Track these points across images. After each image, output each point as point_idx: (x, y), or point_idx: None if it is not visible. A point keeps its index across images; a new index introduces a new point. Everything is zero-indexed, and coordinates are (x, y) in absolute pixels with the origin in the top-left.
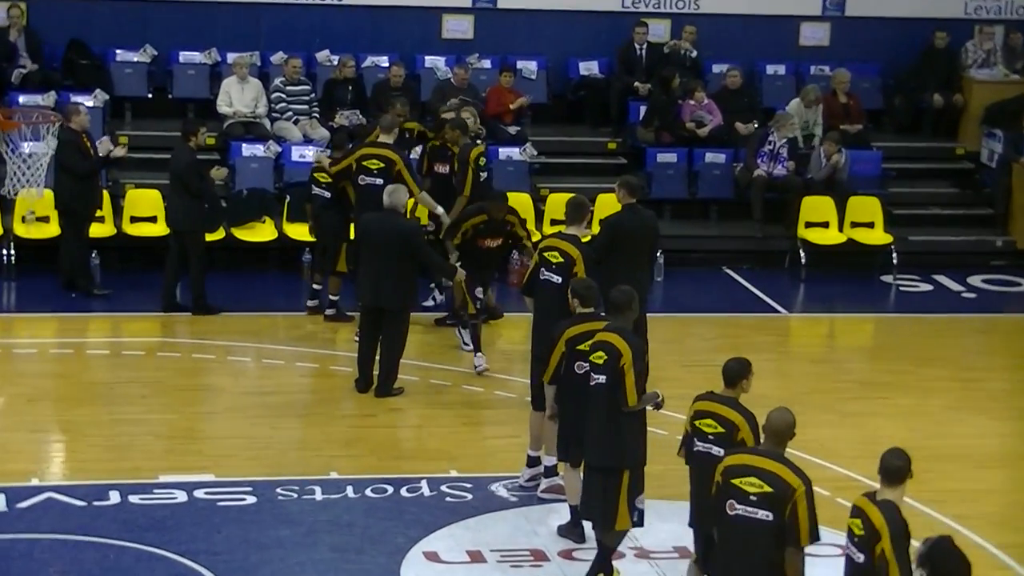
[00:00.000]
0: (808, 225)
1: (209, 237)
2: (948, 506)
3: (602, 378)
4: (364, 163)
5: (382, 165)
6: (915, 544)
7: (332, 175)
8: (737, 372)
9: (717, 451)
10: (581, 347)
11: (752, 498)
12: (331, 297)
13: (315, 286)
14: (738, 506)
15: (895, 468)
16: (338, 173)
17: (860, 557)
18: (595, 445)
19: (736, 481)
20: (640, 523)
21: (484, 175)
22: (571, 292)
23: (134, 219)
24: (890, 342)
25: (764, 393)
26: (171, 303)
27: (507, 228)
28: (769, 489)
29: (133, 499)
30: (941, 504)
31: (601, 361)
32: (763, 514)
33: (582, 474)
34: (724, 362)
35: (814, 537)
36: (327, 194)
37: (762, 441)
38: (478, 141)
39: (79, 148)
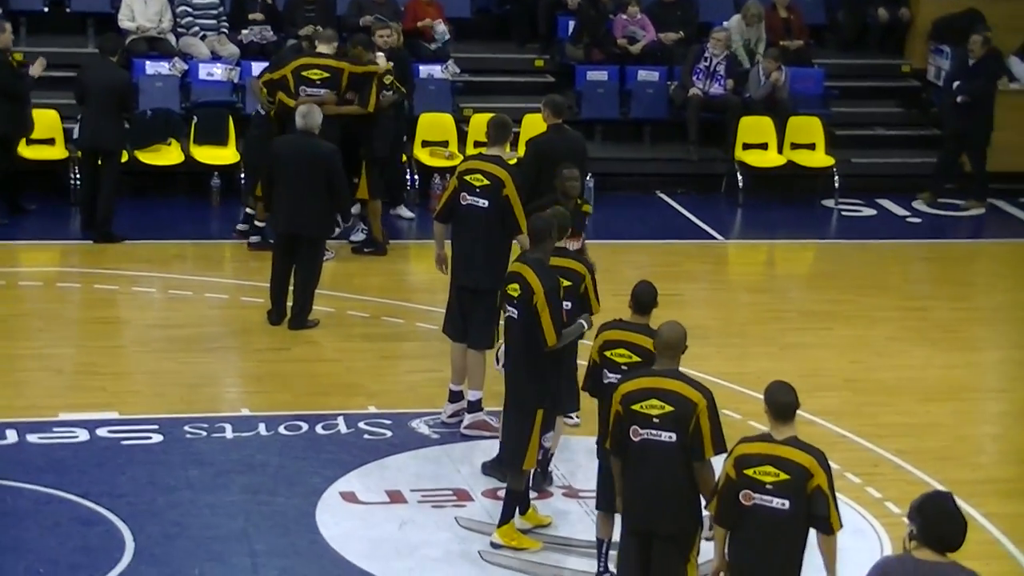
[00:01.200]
0: (746, 147)
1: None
2: (891, 440)
3: (514, 312)
4: (304, 73)
5: (327, 75)
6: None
7: (264, 85)
8: (647, 299)
9: None
10: (509, 288)
11: (655, 420)
12: (256, 223)
13: (248, 210)
14: (642, 431)
15: (786, 404)
16: (269, 85)
17: (784, 503)
18: (511, 382)
19: (637, 406)
20: (544, 462)
21: (390, 93)
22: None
23: (30, 142)
24: (832, 270)
25: (701, 324)
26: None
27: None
28: (671, 408)
29: (31, 438)
30: (883, 438)
31: (515, 294)
32: (667, 435)
33: None
34: (633, 287)
35: (719, 448)
36: (264, 111)
37: (657, 360)
38: (380, 57)
39: (10, 67)
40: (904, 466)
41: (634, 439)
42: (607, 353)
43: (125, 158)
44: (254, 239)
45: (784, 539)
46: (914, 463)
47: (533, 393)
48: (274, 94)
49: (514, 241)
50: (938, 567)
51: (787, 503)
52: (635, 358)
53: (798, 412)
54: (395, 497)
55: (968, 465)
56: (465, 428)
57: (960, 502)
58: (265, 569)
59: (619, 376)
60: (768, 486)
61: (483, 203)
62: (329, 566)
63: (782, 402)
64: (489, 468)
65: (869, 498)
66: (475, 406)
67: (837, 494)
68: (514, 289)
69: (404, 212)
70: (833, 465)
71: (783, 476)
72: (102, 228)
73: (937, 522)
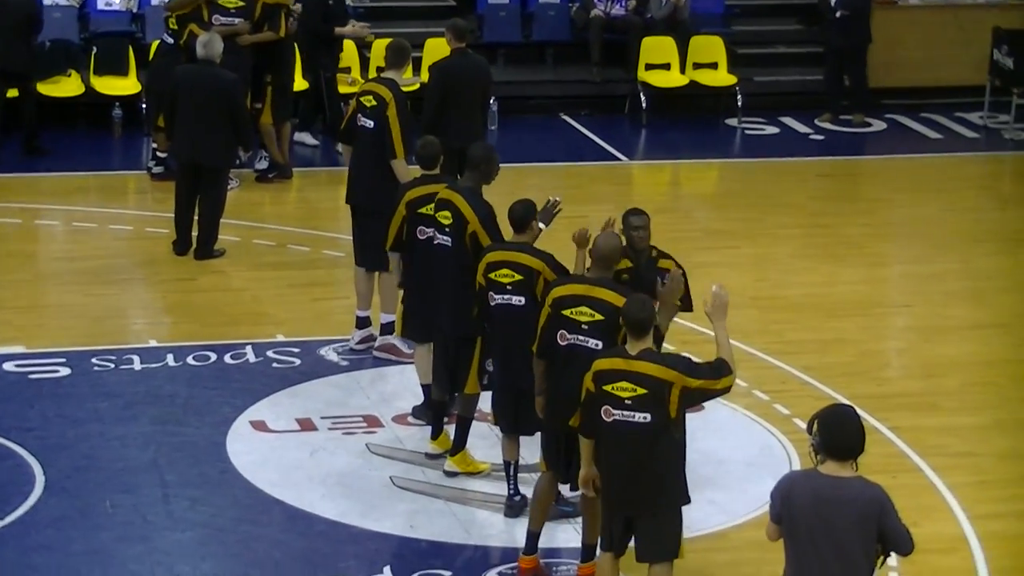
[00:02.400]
0: (649, 67)
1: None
2: (798, 357)
3: (447, 240)
4: (220, 1)
5: (242, 4)
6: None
7: (176, 17)
8: (524, 215)
9: (518, 300)
10: (423, 210)
11: (584, 327)
12: (159, 153)
13: (154, 145)
14: (569, 336)
15: (642, 320)
16: (181, 17)
17: (645, 417)
18: (448, 314)
19: (567, 312)
20: (490, 386)
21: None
22: (416, 153)
23: None
24: (736, 188)
25: None
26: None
27: None
28: (600, 317)
29: None
30: (791, 356)
31: (447, 222)
32: (593, 343)
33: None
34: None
35: None
36: (170, 40)
37: (588, 268)
38: None
39: None
40: (811, 382)
41: (561, 343)
42: (490, 275)
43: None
44: (157, 170)
45: (648, 451)
46: (821, 379)
47: (470, 319)
48: (184, 25)
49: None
50: (842, 481)
51: (648, 416)
52: (518, 276)
53: (705, 331)
54: (305, 425)
55: (874, 380)
56: (376, 351)
57: (866, 416)
58: (176, 499)
59: (505, 296)
60: (627, 401)
61: (370, 123)
62: (241, 495)
63: (638, 319)
64: (419, 412)
65: (777, 415)
66: (386, 329)
67: (746, 411)
68: (445, 217)
69: (308, 139)
70: (740, 383)
71: (640, 391)
72: (30, 143)
73: (836, 433)
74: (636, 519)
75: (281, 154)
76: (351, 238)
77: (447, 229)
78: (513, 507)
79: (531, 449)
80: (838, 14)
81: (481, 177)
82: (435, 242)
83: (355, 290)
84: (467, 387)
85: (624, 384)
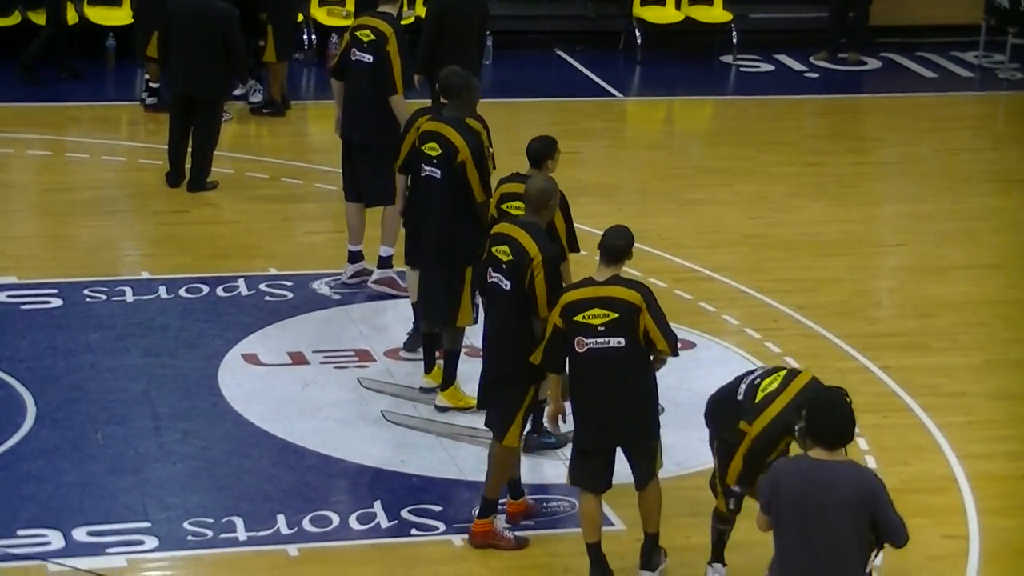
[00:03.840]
0: (644, 3)
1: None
2: (789, 296)
3: (436, 172)
4: None
5: None
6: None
7: None
8: (542, 152)
9: (616, 342)
10: (427, 147)
11: (503, 266)
12: (151, 84)
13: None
14: (493, 274)
15: (620, 247)
16: None
17: (620, 341)
18: (436, 242)
19: (494, 249)
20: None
21: None
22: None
23: None
24: (730, 126)
25: (600, 181)
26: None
27: None
28: (510, 257)
29: None
30: (782, 294)
31: (435, 153)
32: (506, 283)
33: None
34: (527, 142)
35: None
36: None
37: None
38: None
39: None
40: (803, 320)
41: (488, 280)
42: (503, 206)
43: (17, 19)
44: (150, 101)
45: (626, 374)
46: (812, 318)
47: (459, 249)
48: None
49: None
50: (831, 466)
51: (622, 340)
52: (612, 315)
53: (697, 268)
54: (297, 358)
55: (865, 319)
56: (372, 283)
57: (857, 355)
58: (168, 432)
59: (598, 340)
60: (600, 328)
61: (368, 58)
62: (232, 428)
63: (615, 245)
64: (411, 345)
65: (769, 353)
66: (384, 262)
67: (738, 349)
68: (432, 148)
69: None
70: (732, 320)
71: (612, 315)
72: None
73: (825, 420)
74: (631, 449)
75: (280, 90)
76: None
77: (435, 160)
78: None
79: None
80: None
81: (464, 105)
82: (422, 174)
83: (347, 224)
84: (458, 320)
85: (596, 311)
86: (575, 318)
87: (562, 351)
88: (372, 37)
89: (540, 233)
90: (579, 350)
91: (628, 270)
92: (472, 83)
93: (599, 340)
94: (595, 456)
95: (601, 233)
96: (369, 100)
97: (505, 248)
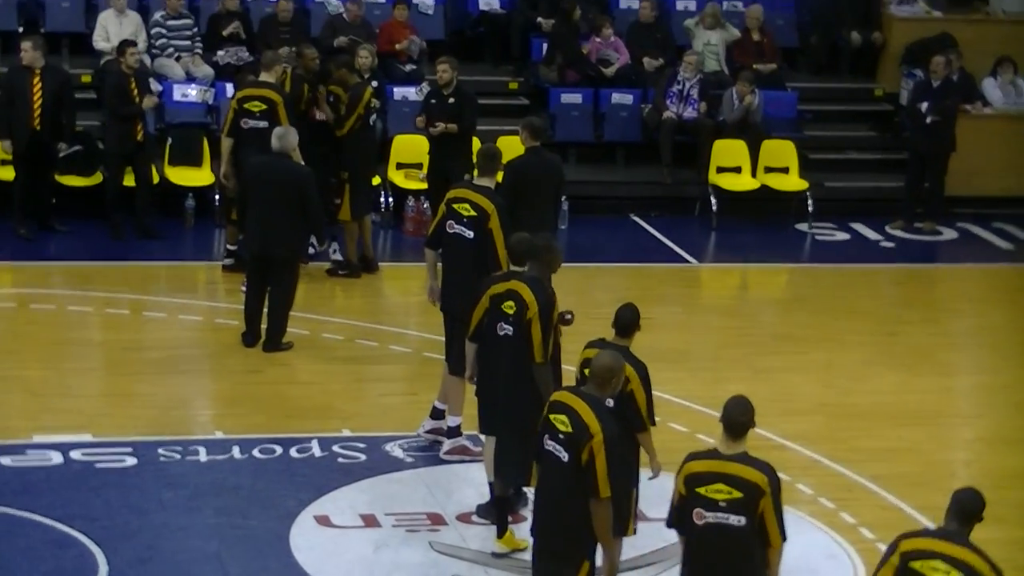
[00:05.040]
0: (720, 170)
1: (83, 181)
2: (865, 466)
3: (510, 329)
4: (246, 105)
5: (264, 107)
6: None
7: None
8: (631, 320)
9: (736, 520)
10: (505, 306)
11: (560, 436)
12: (229, 246)
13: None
14: (549, 442)
15: (742, 424)
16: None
17: (740, 520)
18: (509, 401)
19: (552, 416)
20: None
21: (374, 119)
22: (507, 249)
23: (3, 162)
24: (805, 294)
25: (674, 347)
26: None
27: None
28: (569, 430)
29: (4, 461)
30: (858, 464)
31: (511, 312)
32: (564, 454)
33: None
34: (616, 309)
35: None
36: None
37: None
38: (373, 83)
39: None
40: (878, 491)
41: (698, 522)
42: (586, 370)
43: (98, 179)
44: (227, 262)
45: (741, 554)
46: (888, 488)
47: (532, 408)
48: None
49: None
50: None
51: (743, 520)
52: (736, 493)
53: (771, 436)
54: (369, 521)
55: (941, 490)
56: (445, 454)
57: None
58: None
59: (718, 515)
60: (722, 504)
61: (469, 234)
62: None
63: (739, 421)
64: (484, 511)
65: (843, 523)
66: (454, 432)
67: (812, 519)
68: (509, 307)
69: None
70: (806, 490)
71: (736, 494)
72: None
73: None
74: None
75: (366, 247)
76: (423, 335)
77: (510, 318)
78: None
79: None
80: (928, 120)
81: (545, 267)
82: (500, 332)
83: (441, 385)
84: (533, 480)
85: (720, 486)
86: (698, 489)
87: (687, 518)
88: (472, 213)
89: (602, 407)
90: (697, 522)
91: (702, 437)
92: (555, 247)
93: (719, 515)
94: None
95: (675, 399)
96: (468, 274)
97: (564, 418)
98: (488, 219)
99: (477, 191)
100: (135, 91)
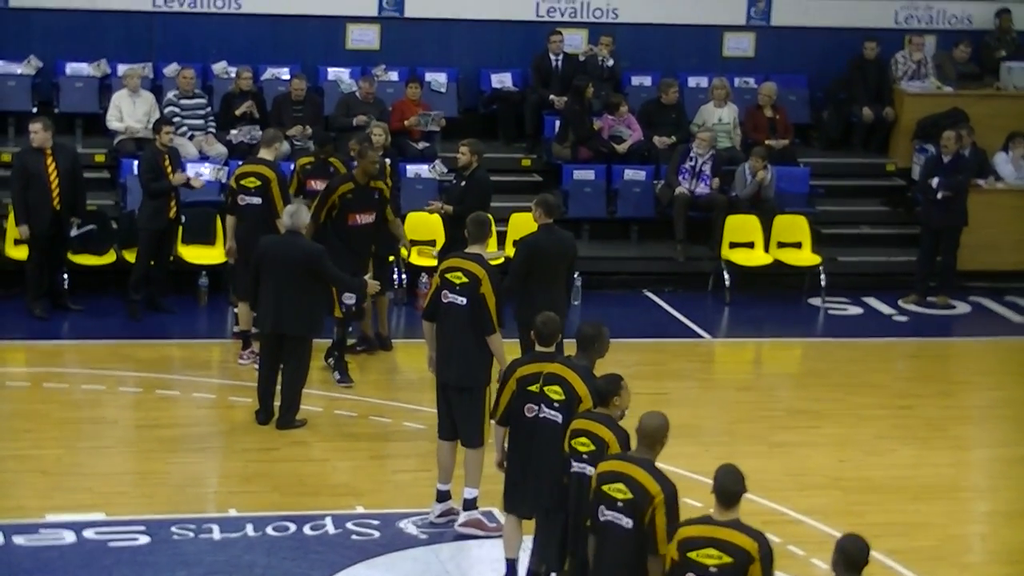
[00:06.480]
0: (733, 245)
1: (97, 260)
2: (882, 540)
3: (556, 415)
4: (242, 182)
5: (259, 183)
6: None
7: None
8: (607, 390)
9: (591, 471)
10: (532, 388)
11: (619, 504)
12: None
13: (236, 310)
14: (607, 512)
15: (734, 493)
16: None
17: None
18: (550, 491)
19: (606, 487)
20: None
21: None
22: (533, 328)
23: (18, 242)
24: (819, 368)
25: (687, 423)
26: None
27: (375, 196)
28: (631, 496)
29: (18, 540)
30: (875, 538)
31: (558, 397)
32: (626, 521)
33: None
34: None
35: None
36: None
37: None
38: (386, 160)
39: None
40: (894, 566)
41: (600, 519)
42: (572, 442)
43: (112, 258)
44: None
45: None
46: (904, 563)
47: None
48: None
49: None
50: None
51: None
52: (593, 447)
53: (786, 511)
54: None
55: (958, 565)
56: (460, 526)
57: None
58: None
59: (581, 464)
60: (712, 570)
61: (462, 300)
62: None
63: (731, 491)
64: None
65: None
66: (470, 504)
67: None
68: (555, 392)
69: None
70: (821, 564)
71: (726, 559)
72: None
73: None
74: None
75: (381, 324)
76: (436, 411)
77: (556, 405)
78: None
79: None
80: (940, 195)
81: (595, 355)
82: (541, 416)
83: (437, 463)
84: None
85: (711, 552)
86: (689, 554)
87: None
88: (464, 280)
89: (654, 468)
90: None
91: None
92: (603, 333)
93: None
94: None
95: (689, 474)
96: (464, 342)
97: (621, 486)
98: (480, 284)
99: (468, 259)
100: (168, 168)
